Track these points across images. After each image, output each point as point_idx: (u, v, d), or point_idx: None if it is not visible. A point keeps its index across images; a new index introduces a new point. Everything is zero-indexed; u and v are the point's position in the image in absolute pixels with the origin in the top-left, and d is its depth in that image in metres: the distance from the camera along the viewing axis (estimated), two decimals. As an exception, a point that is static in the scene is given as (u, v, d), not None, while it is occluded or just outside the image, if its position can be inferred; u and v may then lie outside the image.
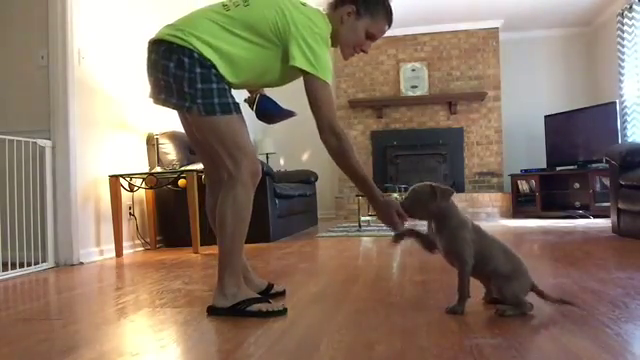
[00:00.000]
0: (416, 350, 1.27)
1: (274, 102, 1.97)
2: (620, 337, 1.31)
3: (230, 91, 1.73)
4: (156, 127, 4.09)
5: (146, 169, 4.10)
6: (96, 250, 3.51)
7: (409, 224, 1.76)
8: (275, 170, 5.20)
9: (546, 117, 6.44)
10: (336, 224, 5.87)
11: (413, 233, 1.72)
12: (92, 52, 3.54)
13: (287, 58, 1.69)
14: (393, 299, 1.87)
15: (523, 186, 6.25)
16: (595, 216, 5.55)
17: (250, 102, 2.01)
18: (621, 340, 1.29)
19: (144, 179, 3.75)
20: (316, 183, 6.13)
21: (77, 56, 3.37)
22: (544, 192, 6.07)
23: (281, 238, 4.46)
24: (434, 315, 1.60)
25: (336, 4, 1.83)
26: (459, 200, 6.40)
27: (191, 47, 1.63)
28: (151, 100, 1.76)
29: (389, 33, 7.52)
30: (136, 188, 3.75)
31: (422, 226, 1.75)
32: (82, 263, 3.29)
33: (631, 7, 5.61)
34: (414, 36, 6.96)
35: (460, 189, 6.70)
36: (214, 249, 1.81)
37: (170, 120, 4.23)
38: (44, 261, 3.15)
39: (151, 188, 3.82)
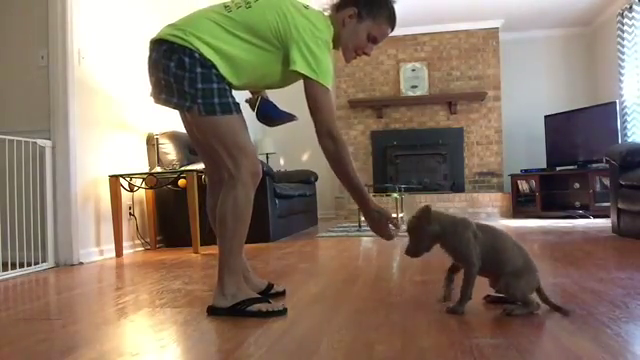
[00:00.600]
0: (416, 350, 1.27)
1: (275, 105, 1.98)
2: (620, 337, 1.31)
3: (231, 91, 1.73)
4: (156, 127, 4.09)
5: (146, 169, 4.10)
6: (96, 250, 3.51)
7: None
8: (275, 170, 5.20)
9: (546, 117, 6.44)
10: (336, 224, 5.87)
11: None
12: (92, 52, 3.54)
13: (288, 61, 1.68)
14: (393, 299, 1.87)
15: (523, 186, 6.25)
16: (595, 216, 5.55)
17: (251, 104, 2.01)
18: (621, 340, 1.29)
19: (144, 179, 3.75)
20: (316, 183, 6.13)
21: (77, 56, 3.37)
22: (544, 192, 6.07)
23: (281, 238, 4.46)
24: (434, 315, 1.60)
25: (338, 6, 1.82)
26: (459, 200, 6.41)
27: (192, 47, 1.63)
28: (152, 99, 1.76)
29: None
30: (136, 188, 3.75)
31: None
32: (82, 263, 3.29)
33: (631, 7, 5.61)
34: (414, 36, 6.96)
35: (460, 189, 6.70)
36: (214, 249, 1.81)
37: (170, 120, 4.24)
38: (44, 261, 3.15)
39: (151, 188, 3.82)
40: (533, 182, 6.14)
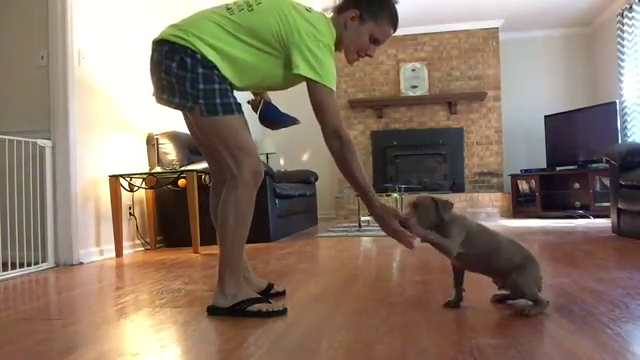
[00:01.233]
0: (416, 350, 1.27)
1: (278, 109, 1.97)
2: (620, 337, 1.31)
3: (232, 91, 1.73)
4: (156, 127, 4.09)
5: (146, 169, 4.10)
6: (96, 250, 3.51)
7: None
8: (275, 170, 5.21)
9: (546, 117, 6.44)
10: (336, 224, 5.87)
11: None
12: (92, 52, 3.54)
13: (290, 65, 1.68)
14: (393, 299, 1.87)
15: (523, 186, 6.25)
16: (595, 216, 5.55)
17: (254, 106, 2.01)
18: (621, 340, 1.29)
19: (144, 179, 3.75)
20: (316, 183, 6.13)
21: (77, 56, 3.37)
22: (544, 192, 6.07)
23: (281, 238, 4.46)
24: (434, 315, 1.60)
25: (340, 8, 1.82)
26: (459, 200, 6.40)
27: (193, 48, 1.63)
28: (154, 99, 1.76)
29: (389, 33, 7.47)
30: (136, 188, 3.75)
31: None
32: (82, 263, 3.29)
33: (631, 7, 5.61)
34: (414, 36, 6.96)
35: (460, 189, 6.70)
36: (214, 249, 1.81)
37: (170, 120, 4.24)
38: (44, 261, 3.15)
39: (151, 188, 3.82)
40: (533, 182, 6.14)
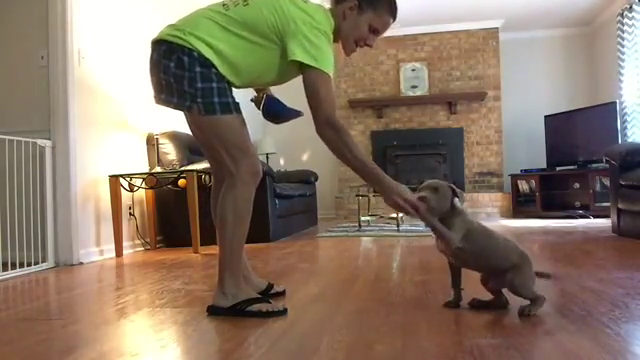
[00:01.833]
0: (416, 350, 1.27)
1: (280, 102, 1.96)
2: (620, 337, 1.31)
3: (231, 90, 1.73)
4: (156, 127, 4.09)
5: (146, 169, 4.10)
6: (96, 250, 3.51)
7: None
8: (275, 170, 5.20)
9: (546, 117, 6.44)
10: (336, 224, 5.87)
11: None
12: (92, 52, 3.54)
13: (286, 55, 1.67)
14: (393, 299, 1.87)
15: (523, 186, 6.25)
16: (595, 216, 5.55)
17: (257, 102, 2.00)
18: (621, 340, 1.29)
19: (144, 179, 3.75)
20: (316, 183, 6.13)
21: (77, 56, 3.37)
22: (544, 192, 6.07)
23: (281, 238, 4.46)
24: (434, 315, 1.60)
25: None
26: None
27: (190, 46, 1.63)
28: (154, 100, 1.76)
29: (389, 33, 7.53)
30: (136, 188, 3.75)
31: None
32: (82, 263, 3.29)
33: (631, 7, 5.61)
34: (414, 36, 6.96)
35: (460, 189, 6.69)
36: (214, 249, 1.81)
37: (170, 120, 4.24)
38: (44, 261, 3.15)
39: (151, 188, 3.82)
40: (533, 182, 6.14)
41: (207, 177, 3.91)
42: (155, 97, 1.74)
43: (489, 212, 6.40)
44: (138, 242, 4.03)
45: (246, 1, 1.71)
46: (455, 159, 6.82)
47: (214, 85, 1.65)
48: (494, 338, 1.34)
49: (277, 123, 2.01)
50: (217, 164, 1.85)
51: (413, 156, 6.86)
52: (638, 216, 3.37)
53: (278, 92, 1.97)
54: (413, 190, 1.67)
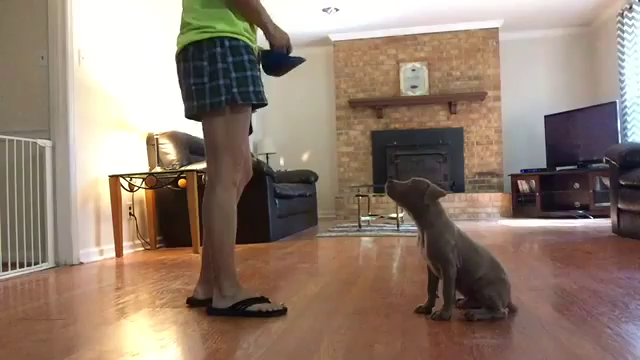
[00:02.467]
0: (416, 350, 1.27)
1: (280, 52, 1.91)
2: (620, 337, 1.31)
3: (261, 79, 1.76)
4: (156, 127, 4.09)
5: (146, 169, 4.10)
6: (96, 250, 3.51)
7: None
8: (275, 170, 5.20)
9: (546, 117, 6.44)
10: (336, 224, 5.87)
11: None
12: (92, 52, 3.54)
13: None
14: (393, 299, 1.87)
15: (523, 186, 6.25)
16: (595, 216, 5.55)
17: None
18: (621, 340, 1.29)
19: (144, 179, 3.75)
20: (316, 183, 6.13)
21: (77, 56, 3.37)
22: (544, 192, 6.07)
23: (281, 238, 4.46)
24: (430, 316, 1.59)
25: None
26: (459, 200, 6.40)
27: (218, 34, 1.65)
28: (185, 114, 1.77)
29: (389, 33, 7.48)
30: (136, 188, 3.75)
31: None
32: (82, 263, 3.29)
33: (631, 7, 5.61)
34: (414, 36, 6.96)
35: (460, 189, 6.70)
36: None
37: (170, 120, 4.25)
38: (44, 261, 3.15)
39: (151, 188, 3.82)
40: (533, 182, 6.14)
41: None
42: (187, 109, 1.74)
43: (489, 212, 6.40)
44: (138, 242, 4.03)
45: None
46: (455, 159, 6.82)
47: (248, 74, 1.69)
48: (494, 338, 1.34)
49: (279, 75, 1.96)
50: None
51: (413, 156, 6.86)
52: (638, 216, 3.37)
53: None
54: None
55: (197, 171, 3.68)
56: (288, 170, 6.38)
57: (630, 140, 5.64)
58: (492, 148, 6.82)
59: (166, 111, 4.35)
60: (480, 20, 6.71)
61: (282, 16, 6.08)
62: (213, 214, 1.69)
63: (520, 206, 6.25)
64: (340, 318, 1.62)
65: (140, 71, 4.07)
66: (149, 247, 4.06)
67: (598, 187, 5.65)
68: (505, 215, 6.36)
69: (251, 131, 1.86)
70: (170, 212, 4.08)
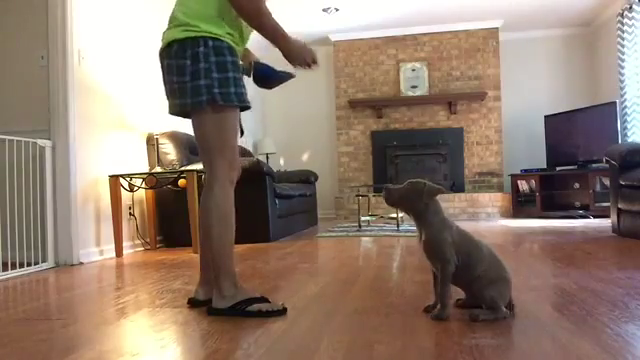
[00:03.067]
0: (416, 350, 1.27)
1: (270, 66, 1.93)
2: (620, 337, 1.31)
3: (243, 81, 1.75)
4: (156, 127, 4.09)
5: (146, 169, 4.10)
6: (96, 250, 3.51)
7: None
8: (275, 170, 5.20)
9: (546, 117, 6.44)
10: (336, 224, 5.87)
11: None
12: (92, 52, 3.54)
13: None
14: (393, 299, 1.87)
15: (523, 186, 6.25)
16: (595, 216, 5.55)
17: (245, 70, 1.99)
18: (621, 340, 1.29)
19: (144, 179, 3.75)
20: (316, 183, 6.13)
21: (77, 56, 3.37)
22: (544, 192, 6.07)
23: (281, 238, 4.46)
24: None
25: None
26: (459, 200, 6.40)
27: (203, 34, 1.64)
28: (169, 111, 1.78)
29: (389, 33, 7.49)
30: (136, 188, 3.75)
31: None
32: (82, 263, 3.29)
33: (631, 7, 5.61)
34: (414, 36, 6.96)
35: (460, 189, 6.70)
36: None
37: (170, 120, 4.23)
38: (44, 261, 3.15)
39: (151, 188, 3.82)
40: (533, 182, 6.14)
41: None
42: (170, 107, 1.76)
43: (489, 212, 6.40)
44: (138, 242, 4.03)
45: None
46: (455, 159, 6.82)
47: (230, 75, 1.67)
48: (494, 338, 1.34)
49: (270, 88, 1.99)
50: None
51: (413, 156, 6.86)
52: (638, 216, 3.37)
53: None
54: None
55: (197, 171, 3.68)
56: (288, 170, 6.38)
57: (630, 140, 5.64)
58: (492, 148, 6.82)
59: (166, 111, 4.34)
60: (480, 20, 6.71)
61: (282, 16, 6.07)
62: (211, 214, 1.69)
63: (520, 206, 6.25)
64: (340, 318, 1.62)
65: (140, 71, 4.07)
66: (149, 247, 4.06)
67: (598, 187, 5.65)
68: (505, 215, 6.36)
69: (242, 133, 1.86)
70: (170, 212, 4.08)
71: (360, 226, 5.16)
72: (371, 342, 1.35)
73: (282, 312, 1.68)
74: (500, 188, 6.72)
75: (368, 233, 4.60)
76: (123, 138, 3.89)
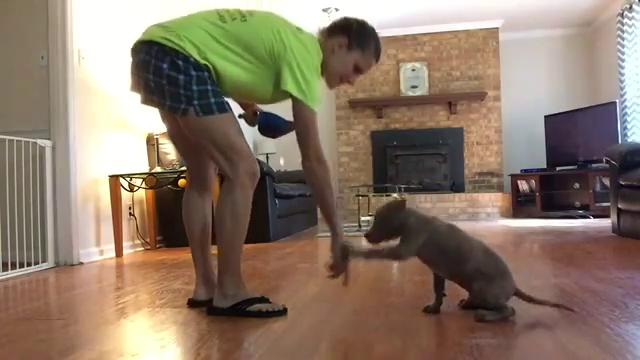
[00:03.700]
0: (416, 350, 1.27)
1: (276, 115, 1.95)
2: (620, 337, 1.31)
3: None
4: (156, 127, 4.08)
5: (146, 169, 4.10)
6: (96, 250, 3.51)
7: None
8: (275, 170, 5.20)
9: (546, 117, 6.44)
10: (336, 224, 5.86)
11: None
12: (92, 52, 3.54)
13: (278, 81, 1.69)
14: (393, 299, 1.87)
15: (523, 186, 6.25)
16: (595, 216, 5.55)
17: (248, 119, 2.01)
18: (621, 340, 1.29)
19: (144, 179, 3.75)
20: (316, 183, 6.11)
21: (77, 56, 3.37)
22: (544, 192, 6.07)
23: (281, 238, 4.46)
24: (434, 315, 1.60)
25: (329, 33, 1.83)
26: (459, 200, 6.40)
27: (185, 52, 1.61)
28: (140, 100, 1.75)
29: (389, 33, 7.49)
30: (136, 188, 3.75)
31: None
32: (82, 263, 3.29)
33: (631, 7, 5.61)
34: (414, 36, 6.96)
35: (460, 189, 6.70)
36: (213, 249, 1.81)
37: (170, 120, 4.21)
38: (44, 261, 3.15)
39: (151, 188, 3.82)
40: (533, 182, 6.14)
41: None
42: (143, 98, 1.73)
43: (489, 212, 6.40)
44: (138, 242, 4.03)
45: (244, 17, 1.70)
46: (455, 159, 6.82)
47: (209, 87, 1.64)
48: (494, 338, 1.34)
49: (275, 137, 2.01)
50: (198, 168, 1.89)
51: (413, 156, 6.86)
52: (638, 216, 3.37)
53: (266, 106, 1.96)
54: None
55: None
56: (288, 170, 6.38)
57: (630, 140, 5.64)
58: (492, 148, 6.82)
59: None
60: (480, 20, 6.71)
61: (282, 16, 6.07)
62: (225, 211, 1.67)
63: (520, 206, 6.25)
64: (340, 318, 1.62)
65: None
66: (149, 247, 4.06)
67: (598, 187, 5.65)
68: (505, 215, 6.36)
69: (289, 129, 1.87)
70: (170, 212, 4.08)
71: (360, 226, 5.16)
72: (371, 342, 1.35)
73: (282, 312, 1.68)
74: (500, 188, 6.72)
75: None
76: (123, 138, 3.89)
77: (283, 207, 4.56)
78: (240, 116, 2.01)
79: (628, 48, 5.73)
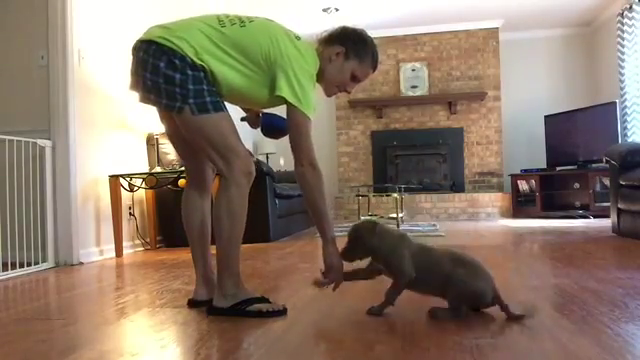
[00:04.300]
0: (416, 350, 1.27)
1: (279, 116, 1.95)
2: (620, 337, 1.31)
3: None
4: (156, 127, 4.08)
5: (146, 169, 4.10)
6: (96, 250, 3.51)
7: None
8: (275, 170, 5.20)
9: (546, 117, 6.44)
10: (336, 224, 5.86)
11: (349, 276, 1.76)
12: (92, 52, 3.54)
13: (273, 86, 1.70)
14: (393, 299, 1.87)
15: (523, 186, 6.25)
16: (595, 216, 5.55)
17: (250, 121, 2.01)
18: (621, 340, 1.29)
19: (144, 179, 3.75)
20: (316, 183, 6.11)
21: (77, 56, 3.37)
22: (544, 192, 6.07)
23: (281, 238, 4.46)
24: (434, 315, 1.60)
25: (327, 42, 1.84)
26: (459, 200, 6.41)
27: (182, 52, 1.62)
28: (138, 98, 1.76)
29: (389, 33, 7.49)
30: (136, 188, 3.75)
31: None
32: (82, 263, 3.29)
33: (631, 7, 5.61)
34: (414, 36, 6.96)
35: (460, 189, 6.70)
36: (212, 249, 1.81)
37: (170, 120, 4.22)
38: (44, 261, 3.15)
39: (151, 188, 3.82)
40: (533, 182, 6.14)
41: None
42: (141, 96, 1.73)
43: (489, 212, 6.40)
44: (138, 242, 4.03)
45: (243, 23, 1.71)
46: (455, 159, 6.82)
47: (205, 87, 1.65)
48: (494, 338, 1.34)
49: (278, 138, 2.00)
50: (197, 167, 1.88)
51: (413, 156, 6.86)
52: (638, 216, 3.37)
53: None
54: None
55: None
56: (288, 170, 6.38)
57: (630, 140, 5.64)
58: (492, 148, 6.82)
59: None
60: (480, 20, 6.72)
61: (282, 16, 6.07)
62: (221, 210, 1.68)
63: (520, 206, 6.25)
64: (340, 318, 1.62)
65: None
66: (149, 247, 4.06)
67: (598, 187, 5.65)
68: (505, 215, 6.36)
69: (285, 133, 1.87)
70: (170, 212, 4.07)
71: (360, 226, 5.14)
72: (371, 342, 1.35)
73: (282, 312, 1.68)
74: (500, 188, 6.72)
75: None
76: (123, 138, 3.89)
77: (283, 207, 4.56)
78: (243, 119, 2.01)
79: (628, 48, 5.73)
